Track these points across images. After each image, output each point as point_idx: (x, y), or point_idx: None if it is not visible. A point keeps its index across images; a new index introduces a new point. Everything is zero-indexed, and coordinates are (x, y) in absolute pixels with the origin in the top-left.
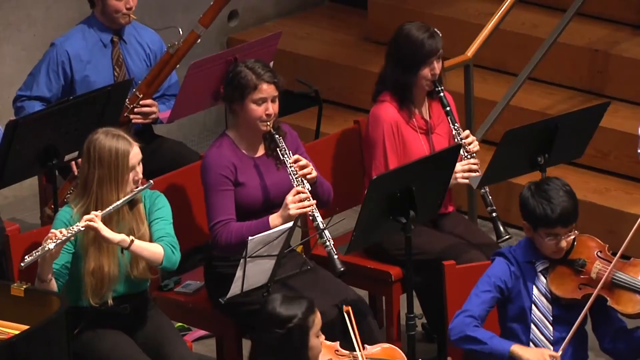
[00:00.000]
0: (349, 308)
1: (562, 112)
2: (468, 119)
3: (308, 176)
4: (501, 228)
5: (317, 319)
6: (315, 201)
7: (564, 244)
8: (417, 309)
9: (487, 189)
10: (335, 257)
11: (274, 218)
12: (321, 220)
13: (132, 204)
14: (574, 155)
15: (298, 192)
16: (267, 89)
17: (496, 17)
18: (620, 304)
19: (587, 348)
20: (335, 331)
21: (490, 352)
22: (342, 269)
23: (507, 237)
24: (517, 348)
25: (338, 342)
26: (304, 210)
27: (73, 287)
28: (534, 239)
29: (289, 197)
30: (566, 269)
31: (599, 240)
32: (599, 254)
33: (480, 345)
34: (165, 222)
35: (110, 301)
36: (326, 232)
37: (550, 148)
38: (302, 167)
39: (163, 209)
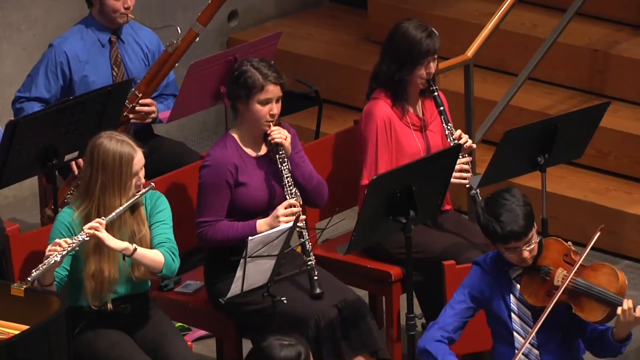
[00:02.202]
0: None
1: (562, 112)
2: (468, 119)
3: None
4: None
5: None
6: (305, 217)
7: (525, 254)
8: (417, 309)
9: (478, 190)
10: (315, 278)
11: (261, 224)
12: (307, 238)
13: (133, 207)
14: (574, 155)
15: (290, 205)
16: (273, 90)
17: (496, 17)
18: (584, 312)
19: (579, 349)
20: (334, 331)
21: None
22: (318, 291)
23: None
24: None
25: None
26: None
27: (73, 288)
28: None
29: (281, 210)
30: (534, 276)
31: (565, 243)
32: (564, 258)
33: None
34: (165, 226)
35: (110, 305)
36: (312, 254)
37: (550, 148)
38: (291, 214)
39: (164, 211)
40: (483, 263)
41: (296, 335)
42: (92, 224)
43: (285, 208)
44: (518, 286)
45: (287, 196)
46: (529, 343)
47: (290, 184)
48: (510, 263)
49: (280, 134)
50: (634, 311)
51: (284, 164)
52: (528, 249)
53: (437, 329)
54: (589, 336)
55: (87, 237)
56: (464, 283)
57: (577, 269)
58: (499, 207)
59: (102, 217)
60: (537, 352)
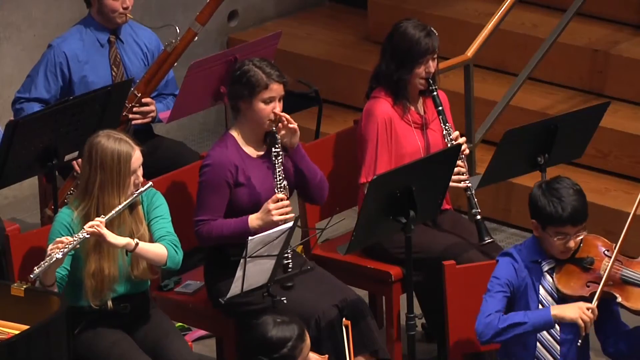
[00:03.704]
0: (349, 323)
1: (562, 112)
2: (468, 119)
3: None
4: (484, 232)
5: (306, 347)
6: (294, 215)
7: (572, 244)
8: (417, 309)
9: (473, 191)
10: (289, 271)
11: (252, 219)
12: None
13: (132, 206)
14: (574, 155)
15: (279, 200)
16: (277, 89)
17: (496, 17)
18: (630, 301)
19: (589, 348)
20: (335, 331)
21: (534, 328)
22: (290, 284)
23: (489, 240)
24: (556, 311)
25: (327, 356)
26: (286, 217)
27: (73, 288)
28: (542, 238)
29: (271, 205)
30: (573, 267)
31: (606, 240)
32: (606, 252)
33: (521, 327)
34: (164, 220)
35: (110, 303)
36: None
37: (550, 148)
38: (282, 206)
39: (161, 207)
40: (516, 252)
41: (293, 315)
42: (93, 222)
43: (275, 202)
44: (549, 279)
45: (275, 190)
46: (552, 338)
47: (281, 178)
48: (544, 254)
49: (294, 124)
50: None
51: (278, 158)
52: (576, 239)
53: (487, 316)
54: (618, 335)
55: (87, 235)
56: (496, 274)
57: (625, 263)
58: (561, 189)
59: (102, 216)
60: (558, 347)
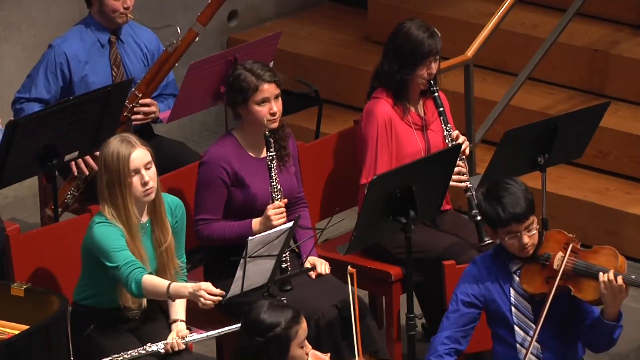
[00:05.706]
0: (354, 271)
1: (562, 112)
2: (468, 119)
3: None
4: (484, 232)
5: (302, 330)
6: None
7: (525, 239)
8: (417, 309)
9: (474, 193)
10: (287, 273)
11: (256, 223)
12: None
13: (155, 213)
14: (574, 155)
15: (278, 207)
16: (269, 89)
17: (496, 17)
18: (582, 292)
19: (578, 350)
20: (334, 331)
21: None
22: (289, 287)
23: (489, 241)
24: None
25: (329, 355)
26: (285, 219)
27: (115, 290)
28: (500, 241)
29: (270, 211)
30: (534, 265)
31: (567, 233)
32: (564, 246)
33: None
34: (183, 246)
35: (144, 304)
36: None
37: (550, 148)
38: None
39: (184, 227)
40: (481, 260)
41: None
42: (179, 343)
43: (274, 209)
44: (517, 279)
45: (272, 194)
46: (531, 338)
47: (276, 181)
48: (510, 256)
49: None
50: (616, 281)
51: (272, 162)
52: (529, 234)
53: (439, 343)
54: (587, 327)
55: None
56: (455, 290)
57: (578, 253)
58: (500, 190)
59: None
60: (538, 345)
